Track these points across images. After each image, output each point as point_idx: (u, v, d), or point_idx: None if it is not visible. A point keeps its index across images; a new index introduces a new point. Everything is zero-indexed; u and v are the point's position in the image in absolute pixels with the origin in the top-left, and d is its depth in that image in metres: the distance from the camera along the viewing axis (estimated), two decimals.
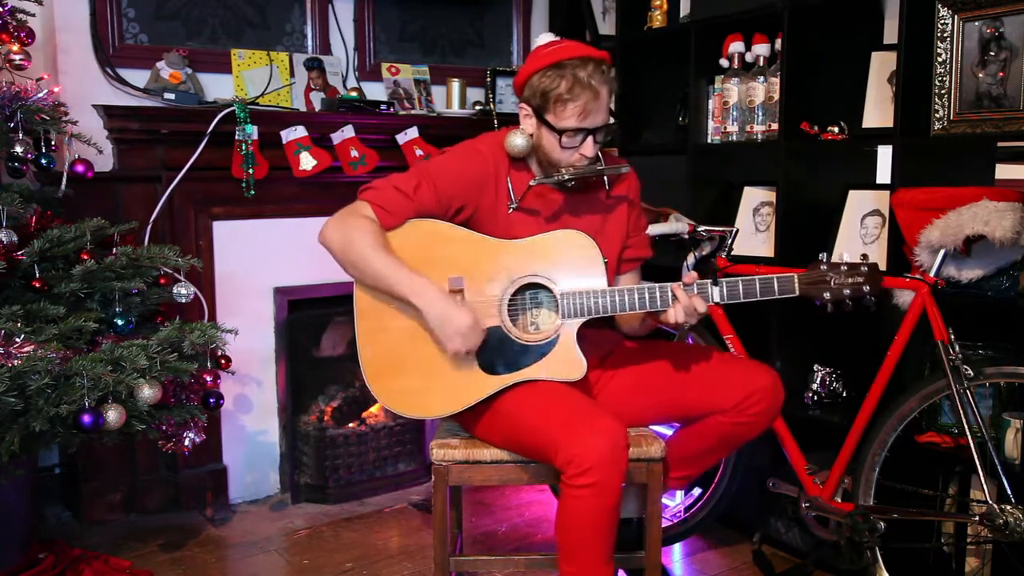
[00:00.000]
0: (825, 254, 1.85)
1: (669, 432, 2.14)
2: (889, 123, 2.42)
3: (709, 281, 1.84)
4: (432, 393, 1.91)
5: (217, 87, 2.95)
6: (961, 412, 2.04)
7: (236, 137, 2.79)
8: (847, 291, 1.81)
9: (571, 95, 1.82)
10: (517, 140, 1.91)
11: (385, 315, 1.91)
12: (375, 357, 1.92)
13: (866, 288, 1.81)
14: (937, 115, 2.27)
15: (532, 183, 1.93)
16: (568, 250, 1.89)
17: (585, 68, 1.82)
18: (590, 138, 1.87)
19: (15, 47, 2.28)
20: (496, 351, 1.89)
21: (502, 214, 1.95)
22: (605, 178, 1.98)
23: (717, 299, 1.85)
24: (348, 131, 2.97)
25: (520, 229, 1.94)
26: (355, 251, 1.84)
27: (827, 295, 1.82)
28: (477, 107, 3.40)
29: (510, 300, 1.90)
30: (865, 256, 1.87)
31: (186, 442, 2.45)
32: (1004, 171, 2.44)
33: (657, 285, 1.85)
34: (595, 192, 2.02)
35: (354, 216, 1.87)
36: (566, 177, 1.89)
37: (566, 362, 1.88)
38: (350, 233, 1.85)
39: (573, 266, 1.88)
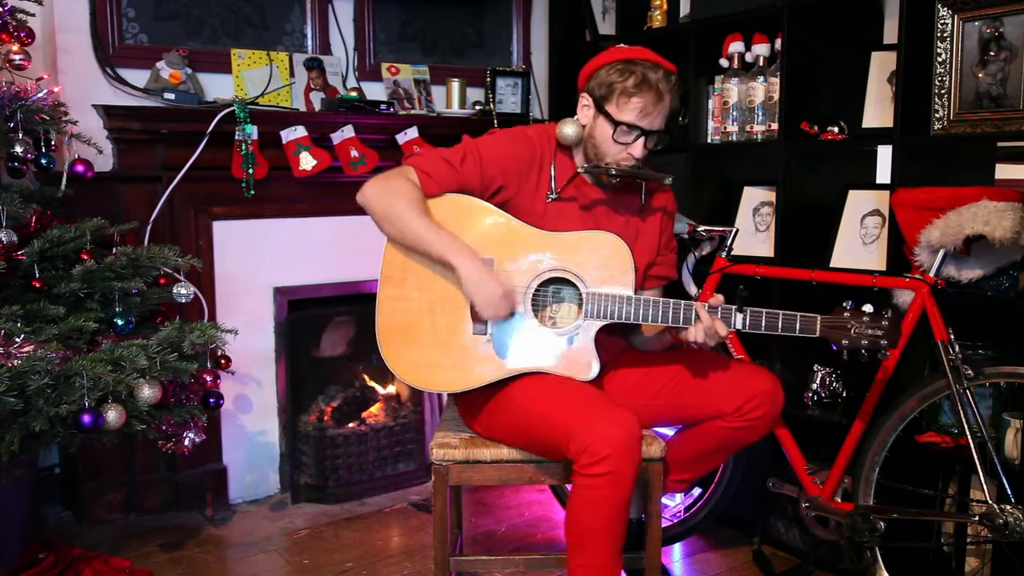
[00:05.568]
0: (850, 301, 1.84)
1: (670, 434, 2.14)
2: (889, 123, 2.42)
3: (734, 307, 1.85)
4: (441, 368, 1.91)
5: (217, 87, 2.95)
6: (961, 412, 2.04)
7: (236, 137, 2.79)
8: (865, 341, 1.82)
9: (636, 91, 1.87)
10: (568, 129, 1.96)
11: (408, 284, 1.93)
12: (391, 324, 1.93)
13: (883, 342, 1.81)
14: (937, 115, 2.27)
15: (579, 170, 1.97)
16: (601, 251, 1.90)
17: (656, 72, 1.88)
18: (642, 139, 1.91)
19: (15, 47, 2.28)
20: (512, 338, 1.90)
21: (540, 202, 1.97)
22: (644, 188, 2.02)
23: (739, 326, 1.85)
24: (348, 131, 2.97)
25: (555, 220, 1.96)
26: (397, 210, 1.86)
27: (845, 342, 1.83)
28: (477, 107, 3.39)
29: (536, 291, 1.91)
30: (888, 311, 1.84)
31: (186, 442, 2.45)
32: (1004, 171, 2.44)
33: (683, 302, 1.86)
34: (634, 199, 2.05)
35: (399, 178, 1.90)
36: (612, 171, 1.92)
37: (580, 362, 1.89)
38: (393, 192, 1.87)
39: (604, 268, 1.89)
